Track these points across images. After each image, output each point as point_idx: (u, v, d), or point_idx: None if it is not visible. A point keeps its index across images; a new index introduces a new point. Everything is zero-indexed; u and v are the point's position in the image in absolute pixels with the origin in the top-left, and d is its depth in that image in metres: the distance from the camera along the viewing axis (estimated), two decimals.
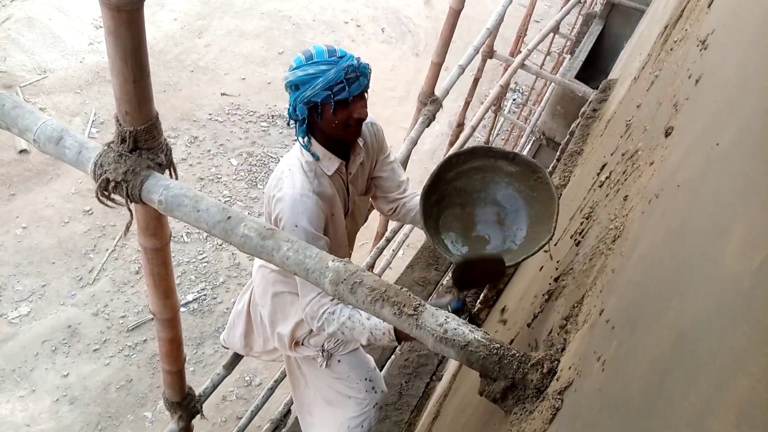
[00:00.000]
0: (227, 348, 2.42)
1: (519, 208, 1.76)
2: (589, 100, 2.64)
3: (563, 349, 0.98)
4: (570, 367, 0.87)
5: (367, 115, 1.72)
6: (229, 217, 1.14)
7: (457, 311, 1.73)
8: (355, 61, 1.63)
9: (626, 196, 1.06)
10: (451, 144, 5.20)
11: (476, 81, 5.23)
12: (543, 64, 8.96)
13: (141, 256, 1.39)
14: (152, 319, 6.09)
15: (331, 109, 1.64)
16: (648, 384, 0.56)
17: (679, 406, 0.48)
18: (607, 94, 2.55)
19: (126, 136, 1.11)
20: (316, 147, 1.77)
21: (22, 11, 8.94)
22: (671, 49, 1.50)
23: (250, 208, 7.43)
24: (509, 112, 9.64)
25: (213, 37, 9.82)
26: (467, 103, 5.35)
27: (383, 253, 3.65)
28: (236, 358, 2.41)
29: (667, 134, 0.98)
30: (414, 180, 2.45)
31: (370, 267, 3.48)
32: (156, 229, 1.29)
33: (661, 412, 0.50)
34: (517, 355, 1.00)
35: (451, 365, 2.66)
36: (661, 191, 0.84)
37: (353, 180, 1.94)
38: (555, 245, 1.67)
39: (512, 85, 10.16)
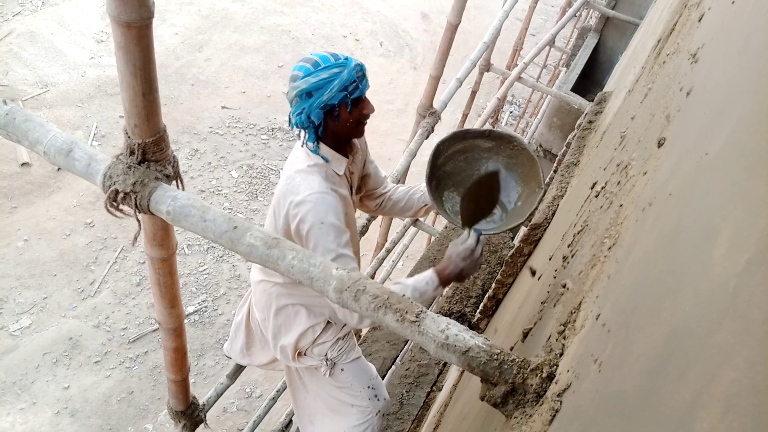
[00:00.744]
0: (230, 357, 2.44)
1: (505, 176, 1.98)
2: (585, 112, 2.68)
3: (562, 354, 1.00)
4: (568, 371, 0.89)
5: (374, 109, 1.82)
6: (236, 227, 1.16)
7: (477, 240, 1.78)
8: (357, 61, 1.74)
9: (621, 205, 1.09)
10: None
11: (474, 94, 5.28)
12: (539, 76, 9.05)
13: (146, 266, 1.41)
14: (154, 330, 6.11)
15: (347, 109, 1.72)
16: (642, 381, 0.58)
17: (671, 400, 0.50)
18: (602, 106, 2.58)
19: (135, 148, 1.14)
20: (325, 150, 1.83)
21: (25, 26, 9.03)
22: (664, 62, 1.53)
23: (250, 219, 7.45)
24: (506, 124, 9.71)
25: (213, 51, 9.91)
26: (465, 116, 5.40)
27: (383, 263, 3.67)
28: (239, 368, 2.42)
29: (659, 145, 1.01)
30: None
31: (371, 277, 3.49)
32: (163, 239, 1.32)
33: (654, 407, 0.53)
34: (517, 360, 1.02)
35: (452, 375, 2.67)
36: (654, 199, 0.87)
37: (353, 179, 2.01)
38: (549, 260, 1.70)
39: (509, 98, 10.24)
